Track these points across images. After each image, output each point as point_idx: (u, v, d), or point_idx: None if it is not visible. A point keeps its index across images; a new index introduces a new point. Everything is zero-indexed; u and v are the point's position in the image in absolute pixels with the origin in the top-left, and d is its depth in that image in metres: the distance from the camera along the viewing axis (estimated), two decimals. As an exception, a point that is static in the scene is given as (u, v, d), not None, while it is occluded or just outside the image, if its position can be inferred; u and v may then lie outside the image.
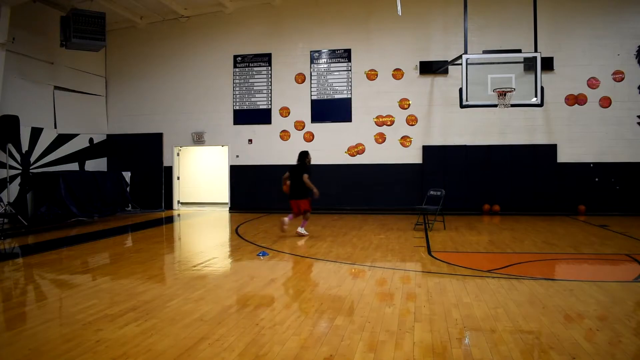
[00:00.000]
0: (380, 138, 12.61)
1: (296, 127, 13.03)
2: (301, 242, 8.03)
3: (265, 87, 13.19)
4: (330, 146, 12.75)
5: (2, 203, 10.02)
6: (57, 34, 10.55)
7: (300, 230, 8.52)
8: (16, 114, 10.27)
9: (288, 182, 8.53)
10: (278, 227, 8.76)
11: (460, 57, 9.83)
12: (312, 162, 9.27)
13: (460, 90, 9.70)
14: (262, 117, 13.19)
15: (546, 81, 10.90)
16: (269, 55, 13.17)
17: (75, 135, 12.77)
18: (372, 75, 12.67)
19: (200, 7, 13.10)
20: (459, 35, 11.36)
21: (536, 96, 9.52)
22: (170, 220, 11.86)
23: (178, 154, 13.95)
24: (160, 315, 4.10)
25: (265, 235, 8.74)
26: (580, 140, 11.82)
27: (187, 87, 13.56)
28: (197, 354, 3.25)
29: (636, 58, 11.65)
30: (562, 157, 11.88)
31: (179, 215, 12.71)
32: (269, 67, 13.17)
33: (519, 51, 10.33)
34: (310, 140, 12.92)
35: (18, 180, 10.87)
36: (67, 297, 4.81)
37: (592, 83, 11.80)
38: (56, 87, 12.10)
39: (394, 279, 5.38)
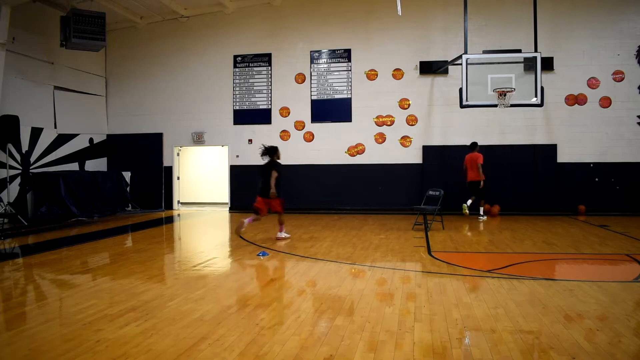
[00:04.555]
0: (380, 138, 12.62)
1: (296, 127, 13.02)
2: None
3: (265, 87, 13.19)
4: (330, 146, 12.75)
5: (2, 203, 10.02)
6: (57, 34, 10.55)
7: (281, 234, 8.26)
8: (16, 114, 10.28)
9: None
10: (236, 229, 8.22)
11: (460, 57, 9.83)
12: (313, 162, 9.38)
13: (460, 90, 9.70)
14: (262, 117, 13.20)
15: (546, 81, 10.90)
16: (269, 55, 13.17)
17: (75, 135, 12.77)
18: (372, 75, 12.67)
19: (200, 7, 13.11)
20: (459, 35, 11.37)
21: (536, 96, 9.52)
22: (170, 220, 11.86)
23: (178, 154, 13.95)
24: (160, 315, 4.10)
25: (265, 235, 8.74)
26: (580, 140, 11.82)
27: (187, 87, 13.57)
28: (197, 354, 3.25)
29: (636, 58, 11.65)
30: (562, 157, 11.88)
31: (179, 215, 12.71)
32: (269, 67, 13.17)
33: (519, 51, 10.33)
34: (310, 140, 12.92)
35: (18, 180, 10.87)
36: (67, 297, 4.81)
37: (592, 83, 11.80)
38: (56, 87, 12.10)
39: (394, 279, 5.38)
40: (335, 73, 12.85)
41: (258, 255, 6.82)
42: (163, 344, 3.44)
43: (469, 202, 10.80)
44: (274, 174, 7.72)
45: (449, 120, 12.25)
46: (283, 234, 8.29)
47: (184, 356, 3.23)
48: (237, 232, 8.16)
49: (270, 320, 3.97)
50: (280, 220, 8.24)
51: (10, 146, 10.53)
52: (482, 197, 11.01)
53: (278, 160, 8.07)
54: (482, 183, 10.69)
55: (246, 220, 7.90)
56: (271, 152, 8.00)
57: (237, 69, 13.32)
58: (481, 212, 11.07)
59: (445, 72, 12.15)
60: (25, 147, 11.07)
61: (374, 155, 12.63)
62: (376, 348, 3.34)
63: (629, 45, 11.65)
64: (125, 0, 12.13)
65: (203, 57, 13.46)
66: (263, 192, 7.89)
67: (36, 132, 11.42)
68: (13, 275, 5.94)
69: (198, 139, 13.53)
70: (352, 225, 10.14)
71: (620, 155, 11.68)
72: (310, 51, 12.95)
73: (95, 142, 13.58)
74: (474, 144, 11.10)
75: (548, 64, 11.46)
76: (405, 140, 12.51)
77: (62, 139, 12.28)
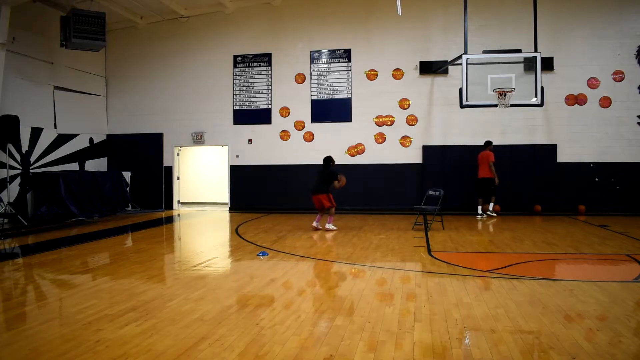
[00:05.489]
0: (380, 138, 12.62)
1: (296, 127, 13.03)
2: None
3: (265, 87, 13.19)
4: (330, 146, 12.74)
5: (2, 203, 10.02)
6: (57, 34, 10.55)
7: (329, 225, 9.43)
8: (16, 114, 10.28)
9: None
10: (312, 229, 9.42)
11: (460, 57, 9.83)
12: (313, 162, 9.64)
13: (460, 90, 9.70)
14: (262, 117, 13.20)
15: (546, 81, 10.90)
16: (269, 55, 13.17)
17: (75, 135, 12.77)
18: (372, 75, 12.67)
19: (200, 7, 13.11)
20: (459, 35, 11.36)
21: (536, 96, 9.52)
22: (170, 220, 11.86)
23: (178, 154, 13.95)
24: (160, 315, 4.10)
25: (265, 235, 8.74)
26: (580, 140, 11.82)
27: (187, 87, 13.57)
28: (197, 354, 3.25)
29: (636, 58, 11.65)
30: (562, 157, 11.88)
31: (179, 215, 12.71)
32: (269, 67, 13.17)
33: (519, 51, 10.33)
34: (310, 140, 12.93)
35: (18, 180, 10.88)
36: (67, 297, 4.81)
37: (592, 83, 11.80)
38: (56, 87, 12.10)
39: (394, 279, 5.38)
40: (335, 73, 12.85)
41: (258, 255, 6.82)
42: (163, 344, 3.44)
43: (491, 206, 11.26)
44: (334, 180, 9.28)
45: (449, 120, 12.25)
46: (331, 226, 9.45)
47: (184, 356, 3.23)
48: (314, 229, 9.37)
49: (270, 320, 3.97)
50: (330, 212, 9.42)
51: (10, 146, 10.53)
52: (491, 195, 11.21)
53: (333, 167, 9.50)
54: (496, 181, 10.96)
55: (315, 222, 9.35)
56: (327, 161, 9.45)
57: (237, 69, 13.32)
58: (479, 211, 11.15)
59: (445, 72, 12.15)
60: (25, 147, 11.07)
61: (374, 155, 12.63)
62: (376, 348, 3.34)
63: (629, 45, 11.66)
64: (125, 0, 12.13)
65: (203, 57, 13.46)
66: (315, 191, 9.29)
67: (36, 132, 11.42)
68: (13, 275, 5.94)
69: (198, 139, 13.53)
70: (352, 225, 10.14)
71: (620, 155, 11.68)
72: (310, 51, 12.95)
73: (95, 142, 13.58)
74: (488, 142, 11.29)
75: (548, 64, 11.46)
76: (405, 140, 12.51)
77: (62, 139, 12.29)
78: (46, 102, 11.82)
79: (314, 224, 9.39)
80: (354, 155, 12.74)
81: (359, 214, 12.17)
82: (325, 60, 12.90)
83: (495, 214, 11.34)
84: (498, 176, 10.99)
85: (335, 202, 9.55)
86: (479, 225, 10.13)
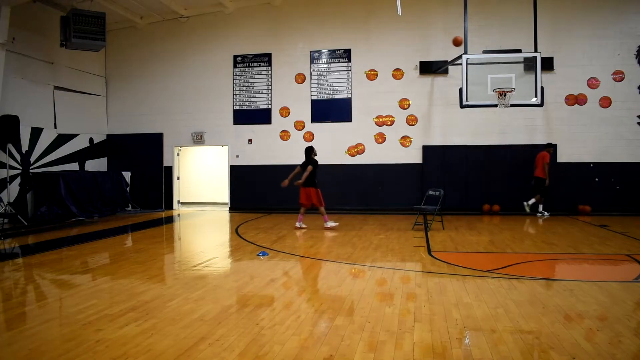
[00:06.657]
0: (380, 138, 12.61)
1: (296, 127, 13.02)
2: (302, 239, 8.03)
3: (265, 87, 13.19)
4: (330, 146, 12.75)
5: (2, 203, 10.02)
6: (57, 34, 10.56)
7: (328, 224, 9.52)
8: (16, 114, 10.28)
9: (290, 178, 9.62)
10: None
11: (460, 57, 9.83)
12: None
13: (460, 90, 9.70)
14: (262, 117, 13.20)
15: (546, 81, 10.90)
16: (269, 55, 13.17)
17: (75, 135, 12.77)
18: (372, 75, 12.67)
19: (200, 7, 13.11)
20: (459, 35, 11.36)
21: (536, 96, 9.52)
22: (170, 220, 11.86)
23: (178, 154, 13.95)
24: (160, 315, 4.10)
25: (265, 235, 8.74)
26: (580, 140, 11.82)
27: (187, 87, 13.57)
28: (197, 354, 3.25)
29: (636, 58, 11.65)
30: (562, 157, 11.88)
31: (179, 215, 12.71)
32: (269, 67, 13.17)
33: (519, 51, 10.33)
34: (310, 140, 12.92)
35: (18, 180, 10.88)
36: (67, 297, 4.81)
37: (592, 83, 11.80)
38: (56, 87, 12.10)
39: (394, 279, 5.38)
40: (335, 73, 12.85)
41: (258, 255, 6.82)
42: (163, 344, 3.44)
43: (531, 201, 11.36)
44: (309, 168, 9.38)
45: (449, 120, 12.25)
46: (330, 223, 9.52)
47: (184, 356, 3.23)
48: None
49: (270, 320, 3.97)
50: (321, 211, 9.54)
51: (10, 146, 10.53)
52: (543, 195, 11.36)
53: (315, 157, 9.64)
54: (547, 181, 11.15)
55: (298, 223, 9.54)
56: (309, 151, 9.65)
57: (237, 69, 13.32)
58: (540, 209, 11.46)
59: (445, 72, 12.15)
60: (25, 147, 11.07)
61: (374, 155, 12.63)
62: (376, 348, 3.34)
63: (629, 45, 11.66)
64: (125, 0, 12.13)
65: (203, 57, 13.46)
66: (304, 183, 9.41)
67: (36, 132, 11.42)
68: (13, 275, 5.94)
69: (198, 139, 13.53)
70: (352, 225, 10.14)
71: (620, 155, 11.68)
72: (310, 51, 12.95)
73: (95, 142, 13.58)
74: (548, 144, 11.48)
75: (548, 64, 11.46)
76: (405, 140, 12.51)
77: (62, 139, 12.28)
78: (46, 102, 11.82)
79: (297, 224, 9.54)
80: (354, 155, 12.74)
81: (359, 214, 12.17)
82: (325, 60, 12.90)
83: (547, 213, 11.51)
84: (549, 177, 11.14)
85: (324, 201, 9.58)
86: (479, 225, 10.11)
